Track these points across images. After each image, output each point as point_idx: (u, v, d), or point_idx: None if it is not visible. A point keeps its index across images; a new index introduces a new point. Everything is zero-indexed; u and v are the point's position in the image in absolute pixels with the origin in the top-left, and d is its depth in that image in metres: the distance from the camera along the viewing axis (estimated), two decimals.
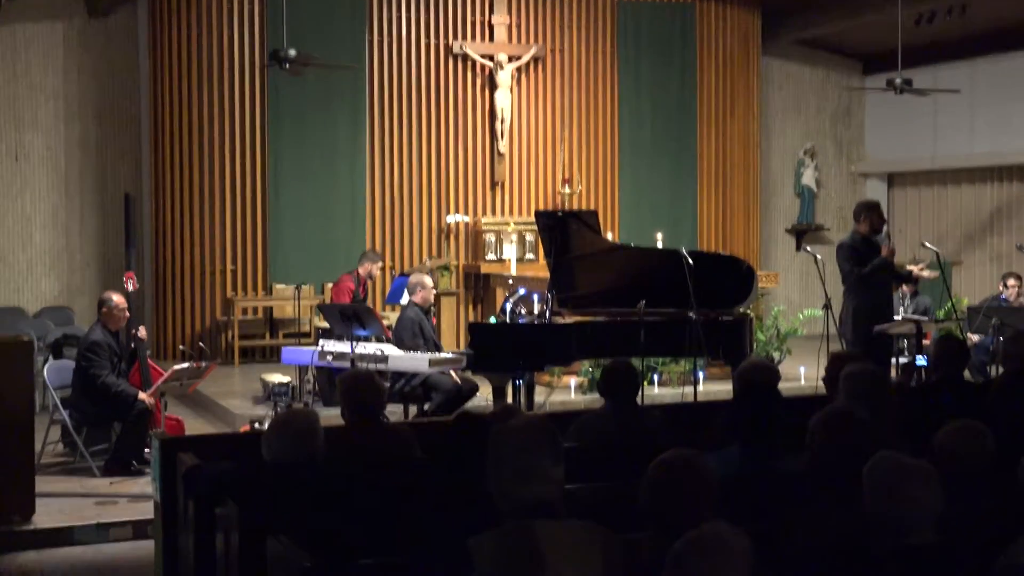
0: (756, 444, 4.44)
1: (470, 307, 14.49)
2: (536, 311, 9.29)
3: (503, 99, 14.69)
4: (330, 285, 12.36)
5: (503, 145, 14.78)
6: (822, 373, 5.90)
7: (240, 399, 10.98)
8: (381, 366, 8.81)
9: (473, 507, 3.69)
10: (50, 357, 10.53)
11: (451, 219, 14.63)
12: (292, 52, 12.11)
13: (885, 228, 9.52)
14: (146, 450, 8.45)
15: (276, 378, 10.46)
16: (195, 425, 10.15)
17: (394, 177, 14.58)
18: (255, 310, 14.12)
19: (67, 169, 14.01)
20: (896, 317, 9.78)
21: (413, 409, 9.50)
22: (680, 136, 15.65)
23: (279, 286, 14.04)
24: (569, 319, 9.30)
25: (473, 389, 9.57)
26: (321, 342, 9.66)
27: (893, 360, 9.87)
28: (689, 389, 9.96)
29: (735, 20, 16.02)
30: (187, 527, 5.01)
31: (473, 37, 14.81)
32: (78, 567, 6.97)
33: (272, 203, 14.15)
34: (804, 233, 17.18)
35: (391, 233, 14.58)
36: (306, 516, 4.08)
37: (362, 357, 8.90)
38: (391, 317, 11.63)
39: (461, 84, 14.79)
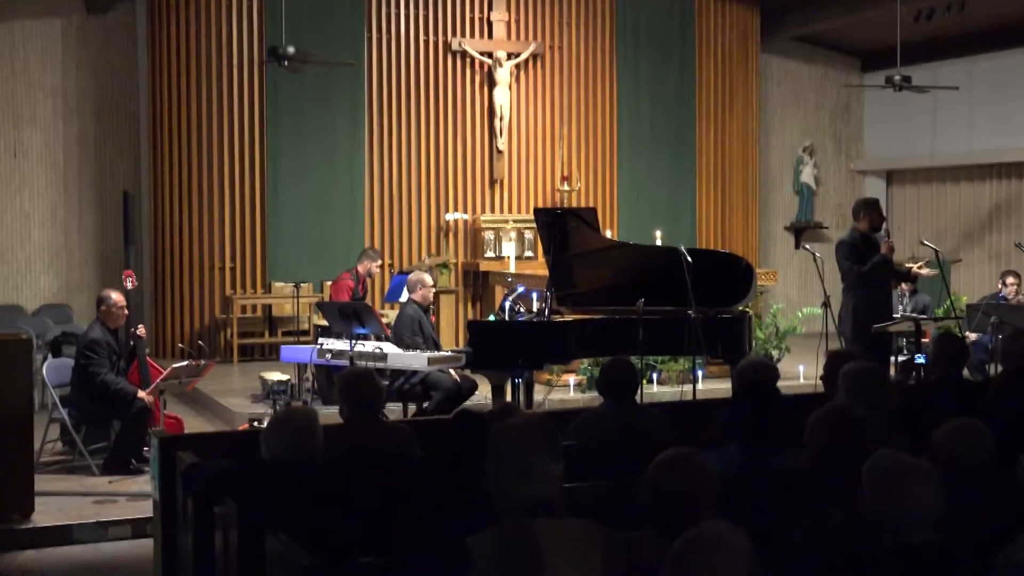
0: (755, 442, 4.43)
1: (469, 305, 14.49)
2: (535, 309, 9.29)
3: (502, 96, 14.68)
4: (329, 283, 12.36)
5: (502, 142, 14.78)
6: (821, 371, 5.90)
7: (239, 397, 10.98)
8: (380, 364, 8.81)
9: (472, 505, 3.69)
10: (49, 355, 10.53)
11: (450, 217, 14.63)
12: (291, 49, 12.09)
13: (884, 226, 9.51)
14: (145, 448, 8.45)
15: (275, 376, 10.46)
16: (194, 423, 10.15)
17: (393, 175, 14.58)
18: (254, 308, 14.12)
19: (66, 166, 14.01)
20: (895, 315, 9.77)
21: (412, 407, 9.51)
22: (679, 133, 15.65)
23: (278, 284, 14.03)
24: (568, 317, 9.30)
25: (472, 387, 9.57)
26: (320, 340, 9.66)
27: (892, 358, 9.87)
28: (688, 387, 9.96)
29: (734, 17, 16.02)
30: (186, 525, 5.01)
31: (472, 34, 14.80)
32: (77, 566, 6.97)
33: (271, 201, 14.14)
34: (803, 231, 17.19)
35: (390, 231, 14.57)
36: (305, 514, 4.08)
37: (361, 355, 8.90)
38: (390, 315, 11.63)
39: (460, 81, 14.78)
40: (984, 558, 3.45)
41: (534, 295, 9.46)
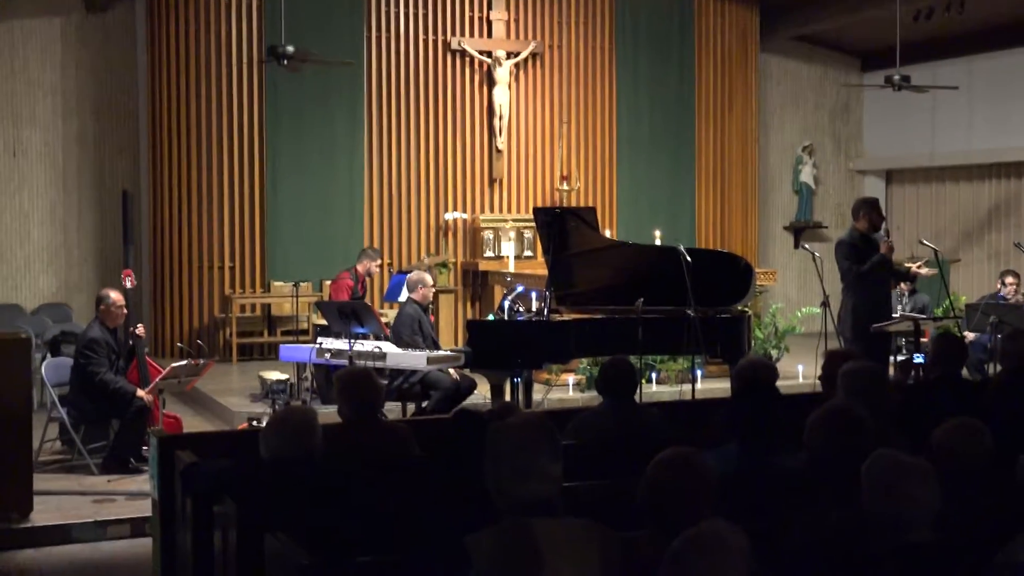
0: (754, 442, 4.44)
1: (468, 304, 14.49)
2: (534, 308, 9.29)
3: (501, 95, 14.68)
4: (328, 282, 12.36)
5: (501, 142, 14.78)
6: (819, 371, 5.89)
7: (238, 396, 10.97)
8: (379, 364, 8.81)
9: (471, 505, 3.69)
10: (48, 354, 10.53)
11: (449, 216, 14.62)
12: (290, 48, 12.09)
13: (883, 225, 9.51)
14: (144, 448, 8.44)
15: (274, 375, 10.46)
16: (193, 423, 10.15)
17: (392, 174, 14.57)
18: (253, 307, 14.12)
19: (65, 165, 14.01)
20: (894, 315, 9.77)
21: (411, 407, 9.51)
22: (678, 132, 15.65)
23: (277, 283, 14.03)
24: (567, 316, 9.29)
25: (471, 387, 9.57)
26: (319, 340, 9.65)
27: (891, 358, 9.87)
28: (687, 387, 9.96)
29: (733, 16, 16.02)
30: (185, 524, 5.01)
31: (471, 33, 14.80)
32: (76, 565, 6.96)
33: (270, 200, 14.14)
34: (802, 230, 17.19)
35: (389, 230, 14.57)
36: (304, 513, 4.08)
37: (360, 355, 8.90)
38: (389, 315, 11.63)
39: (459, 80, 14.78)
40: (983, 557, 3.45)
41: (533, 294, 9.46)
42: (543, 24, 15.09)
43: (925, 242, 10.04)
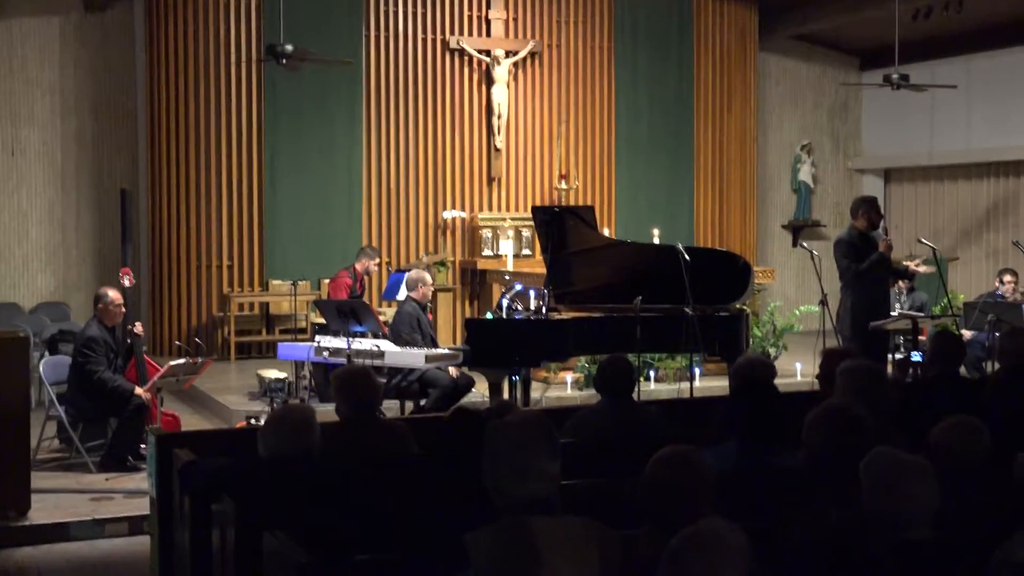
0: (753, 440, 4.43)
1: (466, 303, 14.49)
2: (533, 307, 9.29)
3: (500, 94, 14.68)
4: (327, 281, 12.35)
5: (500, 141, 14.77)
6: (818, 369, 5.89)
7: (236, 395, 10.97)
8: (378, 362, 8.80)
9: (469, 503, 3.68)
10: (46, 353, 10.53)
11: (448, 215, 14.62)
12: (289, 47, 12.08)
13: (882, 224, 9.52)
14: (142, 446, 8.45)
15: (272, 374, 10.46)
16: (191, 421, 10.14)
17: (391, 173, 14.57)
18: (251, 306, 14.12)
19: (63, 164, 14.00)
20: (892, 313, 9.78)
21: (409, 405, 9.50)
22: (677, 131, 15.64)
23: (275, 282, 14.03)
24: (566, 315, 9.30)
25: (469, 385, 9.57)
26: (317, 338, 9.65)
27: (889, 356, 9.87)
28: (685, 385, 9.97)
29: (732, 15, 16.01)
30: (183, 523, 5.00)
31: (470, 32, 14.80)
32: (74, 563, 6.96)
33: (268, 199, 14.14)
34: (800, 229, 17.18)
35: (388, 229, 14.57)
36: (302, 512, 4.08)
37: (358, 353, 8.89)
38: (388, 313, 11.63)
39: (458, 79, 14.78)
40: (981, 555, 3.45)
41: (532, 293, 9.46)
42: (542, 23, 15.08)
43: (923, 240, 10.04)
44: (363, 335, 9.32)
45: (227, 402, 10.62)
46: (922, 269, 10.80)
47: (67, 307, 13.68)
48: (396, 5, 14.57)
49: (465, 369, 9.46)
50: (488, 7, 14.84)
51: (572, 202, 14.48)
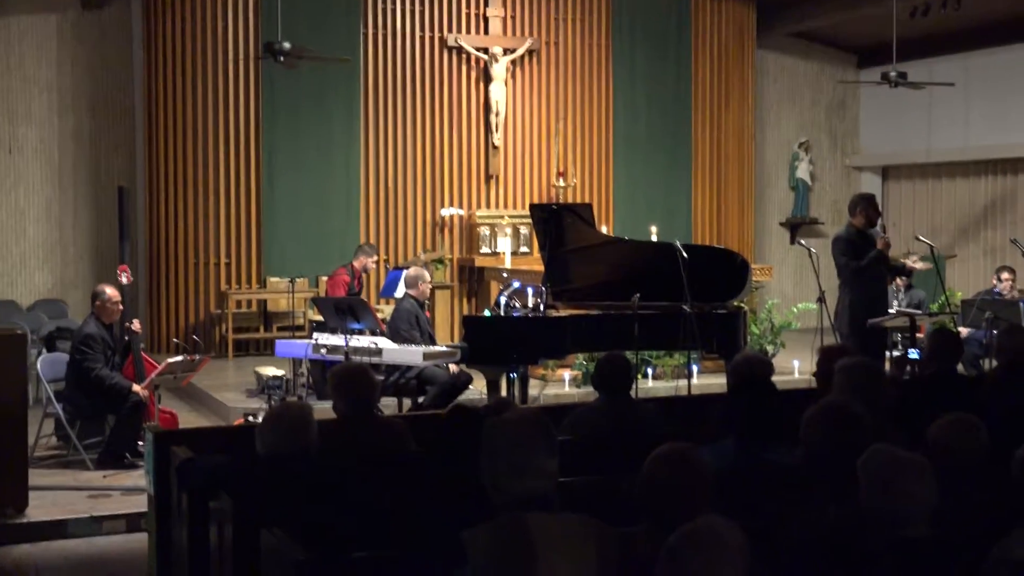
0: (750, 437, 4.43)
1: (464, 300, 14.49)
2: (530, 304, 9.28)
3: (498, 92, 14.67)
4: (324, 278, 12.35)
5: (498, 138, 14.77)
6: (815, 367, 5.89)
7: (234, 392, 10.97)
8: (375, 359, 8.80)
9: (467, 500, 3.68)
10: (43, 350, 10.51)
11: (445, 212, 14.61)
12: (286, 45, 12.08)
13: (880, 221, 9.52)
14: (140, 443, 8.43)
15: (270, 371, 10.45)
16: (189, 418, 10.14)
17: (388, 170, 14.56)
18: (249, 303, 14.12)
19: (61, 162, 14.00)
20: (890, 310, 9.78)
21: (407, 402, 9.50)
22: (675, 129, 15.64)
23: (273, 279, 14.02)
24: (563, 312, 9.29)
25: (467, 382, 9.56)
26: (315, 335, 9.64)
27: (887, 353, 9.87)
28: (683, 382, 9.98)
29: (730, 13, 16.01)
30: (181, 520, 5.00)
31: (468, 30, 14.79)
32: (72, 560, 6.96)
33: (266, 196, 14.13)
34: (798, 226, 17.19)
35: (385, 226, 14.57)
36: (300, 509, 4.08)
37: (356, 350, 8.89)
38: (386, 311, 11.62)
39: (456, 77, 14.77)
40: (979, 553, 3.46)
41: (529, 290, 9.46)
42: (540, 21, 15.08)
43: (921, 238, 10.05)
44: (361, 332, 9.32)
45: (225, 399, 10.62)
46: (920, 266, 10.82)
47: (65, 304, 13.67)
48: (394, 3, 14.56)
49: (463, 366, 9.46)
50: (486, 5, 14.83)
51: (570, 200, 14.48)
